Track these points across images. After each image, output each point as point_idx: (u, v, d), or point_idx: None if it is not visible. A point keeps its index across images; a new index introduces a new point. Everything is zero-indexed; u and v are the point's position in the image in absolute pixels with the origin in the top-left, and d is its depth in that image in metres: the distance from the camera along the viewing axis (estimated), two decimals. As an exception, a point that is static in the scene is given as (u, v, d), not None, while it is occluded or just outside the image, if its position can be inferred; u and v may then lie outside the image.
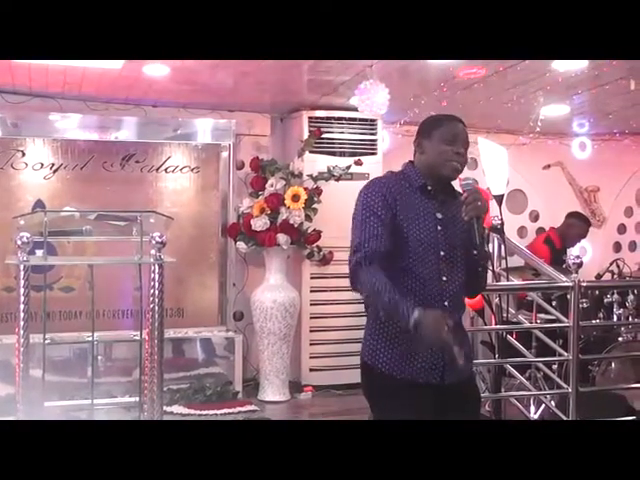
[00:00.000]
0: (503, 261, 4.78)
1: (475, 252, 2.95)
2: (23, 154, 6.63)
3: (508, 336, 4.67)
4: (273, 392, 6.58)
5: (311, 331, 6.92)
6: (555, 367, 5.21)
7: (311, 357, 6.93)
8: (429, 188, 2.99)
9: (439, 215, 2.95)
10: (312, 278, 6.91)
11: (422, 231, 2.91)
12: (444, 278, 2.92)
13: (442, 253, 2.92)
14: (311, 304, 6.90)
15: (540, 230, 8.44)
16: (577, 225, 7.62)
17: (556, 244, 7.48)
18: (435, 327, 2.65)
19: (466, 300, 4.19)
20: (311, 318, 6.92)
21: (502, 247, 4.89)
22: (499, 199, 4.09)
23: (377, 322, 3.00)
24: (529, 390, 5.05)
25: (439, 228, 2.93)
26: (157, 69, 5.53)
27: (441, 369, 2.91)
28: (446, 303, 2.91)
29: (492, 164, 4.06)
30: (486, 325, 4.70)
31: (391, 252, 2.87)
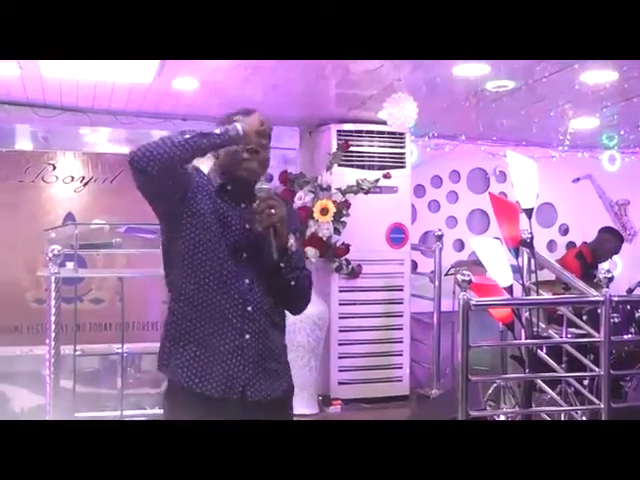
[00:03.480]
0: (533, 275, 4.75)
1: (282, 265, 2.63)
2: (54, 167, 6.70)
3: (538, 351, 4.63)
4: (302, 405, 6.55)
5: (340, 344, 6.91)
6: (586, 382, 5.15)
7: (340, 370, 6.91)
8: (229, 188, 2.71)
9: (245, 215, 2.68)
10: (341, 291, 6.90)
11: (225, 233, 2.65)
12: (247, 281, 2.65)
13: (245, 255, 2.66)
14: (340, 317, 6.89)
15: (570, 244, 8.39)
16: (610, 240, 7.55)
17: (588, 259, 7.41)
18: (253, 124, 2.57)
19: (495, 314, 4.20)
20: (340, 331, 6.90)
21: (532, 261, 4.85)
22: (529, 213, 4.05)
23: (172, 322, 2.69)
24: (560, 406, 5.00)
25: (246, 227, 2.67)
26: (186, 83, 5.56)
27: (241, 383, 2.62)
28: (249, 308, 2.64)
29: (521, 177, 4.02)
30: (516, 339, 4.66)
31: (190, 252, 2.61)
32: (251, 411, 2.61)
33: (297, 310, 2.89)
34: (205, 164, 2.80)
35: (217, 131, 2.58)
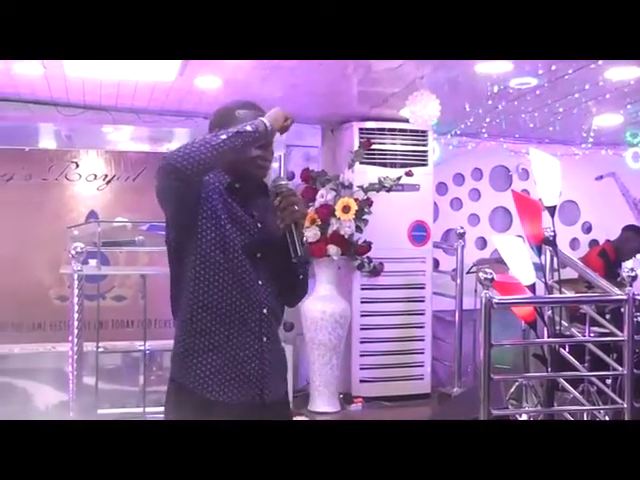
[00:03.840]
0: (555, 273, 4.72)
1: (295, 260, 2.58)
2: (77, 165, 6.74)
3: (561, 349, 4.61)
4: (323, 403, 6.57)
5: (361, 342, 6.90)
6: (609, 382, 5.12)
7: (361, 368, 6.90)
8: (237, 186, 2.61)
9: (255, 213, 2.61)
10: (362, 289, 6.90)
11: (237, 233, 2.56)
12: (260, 282, 2.58)
13: (258, 255, 2.58)
14: (361, 315, 6.89)
15: (593, 242, 8.34)
16: (634, 239, 7.49)
17: (611, 257, 7.37)
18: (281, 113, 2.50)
19: (517, 312, 4.18)
20: (361, 329, 6.90)
21: (554, 259, 4.83)
22: (551, 210, 4.03)
23: (187, 329, 2.60)
24: (582, 405, 4.97)
25: (259, 226, 2.61)
26: (208, 81, 5.58)
27: (260, 386, 2.58)
28: (265, 311, 2.59)
29: (544, 175, 4.00)
30: (538, 338, 4.64)
31: (203, 251, 2.52)
32: (269, 412, 2.58)
33: (297, 302, 2.88)
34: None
35: (249, 128, 2.46)
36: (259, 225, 2.62)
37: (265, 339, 2.60)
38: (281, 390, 2.71)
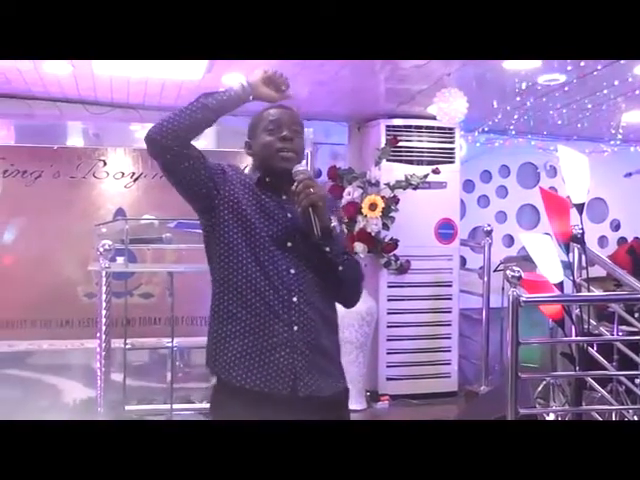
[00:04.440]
0: (584, 271, 4.69)
1: (327, 249, 2.59)
2: (105, 163, 6.78)
3: (589, 348, 4.58)
4: (350, 401, 6.53)
5: (388, 340, 6.90)
6: (638, 381, 5.08)
7: (388, 366, 6.90)
8: (267, 180, 2.68)
9: (287, 205, 2.65)
10: (389, 287, 6.89)
11: (268, 222, 2.61)
12: (292, 271, 2.59)
13: (289, 244, 2.61)
14: (388, 313, 6.88)
15: (621, 240, 8.28)
16: (663, 236, 7.44)
17: (639, 255, 7.31)
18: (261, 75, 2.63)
19: (545, 310, 4.16)
20: (388, 327, 6.89)
21: (583, 257, 4.80)
22: (580, 208, 4.00)
23: (216, 317, 2.64)
24: (611, 404, 4.94)
25: (289, 216, 2.64)
26: (236, 79, 5.58)
27: (291, 376, 2.55)
28: (295, 299, 2.58)
29: (572, 172, 3.97)
30: (566, 336, 4.61)
31: (234, 242, 2.59)
32: (301, 407, 2.55)
33: (348, 301, 2.83)
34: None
35: (221, 89, 2.60)
36: (289, 215, 2.64)
37: (296, 328, 2.57)
38: (324, 387, 2.64)
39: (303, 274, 2.62)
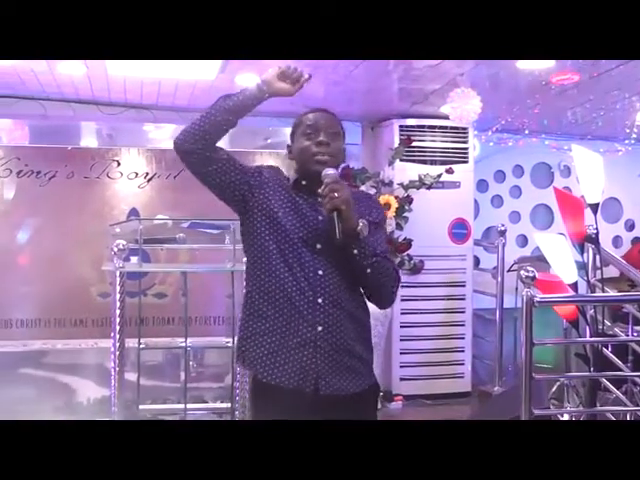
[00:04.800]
0: (598, 272, 4.67)
1: (355, 251, 2.64)
2: (118, 164, 6.80)
3: (603, 349, 4.56)
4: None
5: (401, 340, 6.89)
6: (653, 381, 5.06)
7: (401, 366, 6.89)
8: (304, 183, 2.76)
9: (320, 208, 2.68)
10: (403, 287, 6.83)
11: (299, 223, 2.69)
12: (320, 272, 2.66)
13: (319, 246, 2.67)
14: (402, 313, 6.87)
15: (636, 240, 8.24)
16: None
17: (653, 254, 7.28)
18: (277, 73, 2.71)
19: (559, 310, 4.14)
20: (401, 327, 6.89)
21: (597, 257, 4.78)
22: (594, 208, 3.99)
23: (246, 314, 2.75)
24: (625, 405, 4.92)
25: (320, 218, 2.70)
26: (249, 79, 5.58)
27: (314, 375, 2.64)
28: (320, 300, 2.64)
29: (587, 172, 3.96)
30: (581, 337, 4.59)
31: (265, 241, 2.69)
32: (324, 405, 2.63)
33: (380, 302, 2.88)
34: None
35: (238, 91, 2.71)
36: (320, 218, 2.71)
37: (320, 328, 2.64)
38: (349, 386, 2.70)
39: (330, 276, 2.68)
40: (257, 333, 2.70)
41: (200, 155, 2.69)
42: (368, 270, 2.68)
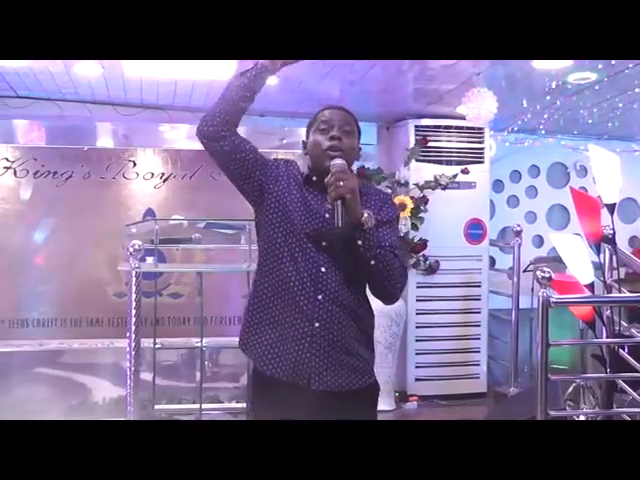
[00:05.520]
0: (615, 272, 4.65)
1: (359, 242, 2.63)
2: (134, 164, 6.82)
3: (620, 350, 4.54)
4: (378, 401, 6.54)
5: (417, 340, 6.88)
6: (670, 383, 5.03)
7: (417, 367, 6.89)
8: (314, 179, 2.77)
9: (328, 205, 2.66)
10: (418, 287, 6.88)
11: (306, 219, 2.71)
12: (323, 269, 2.68)
13: (324, 243, 2.69)
14: (417, 313, 6.87)
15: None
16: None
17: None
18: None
19: (575, 311, 4.12)
20: (417, 327, 6.88)
21: (613, 258, 4.76)
22: (611, 208, 3.96)
23: (251, 302, 2.78)
24: (642, 406, 4.89)
25: (327, 216, 2.70)
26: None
27: (307, 370, 2.65)
28: (320, 297, 2.65)
29: (603, 172, 3.93)
30: (597, 338, 4.57)
31: (271, 233, 2.72)
32: (317, 400, 2.65)
33: (385, 296, 2.83)
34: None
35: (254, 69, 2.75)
36: (326, 215, 2.70)
37: (317, 324, 2.66)
38: (341, 384, 2.70)
39: (333, 273, 2.69)
40: (259, 323, 2.74)
41: (220, 136, 2.70)
42: (372, 262, 2.67)
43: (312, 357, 2.66)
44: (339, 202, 2.58)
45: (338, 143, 2.74)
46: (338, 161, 2.67)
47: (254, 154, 2.76)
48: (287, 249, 2.69)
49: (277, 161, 2.85)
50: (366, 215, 2.63)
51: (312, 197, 2.75)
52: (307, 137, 2.87)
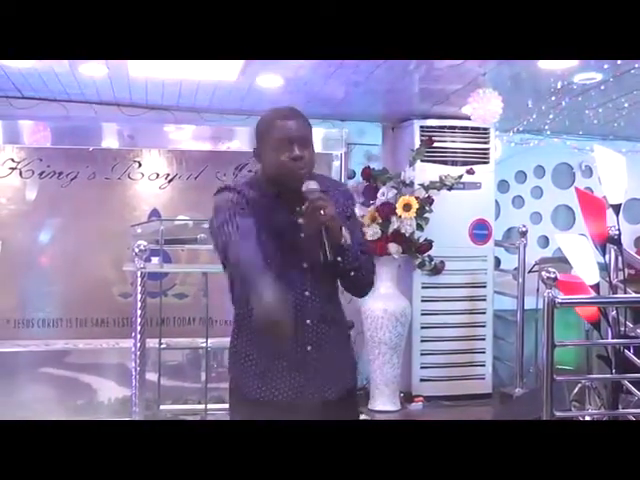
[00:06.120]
0: (620, 273, 4.64)
1: (339, 259, 2.58)
2: (139, 165, 6.83)
3: (626, 351, 4.53)
4: (383, 402, 6.55)
5: (422, 341, 6.87)
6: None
7: (422, 367, 6.87)
8: (280, 197, 2.66)
9: (300, 221, 2.60)
10: (423, 288, 6.86)
11: (282, 243, 2.60)
12: (307, 293, 2.64)
13: (305, 265, 2.64)
14: (422, 314, 6.85)
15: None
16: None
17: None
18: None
19: (581, 312, 4.12)
20: (422, 328, 6.86)
21: (619, 258, 4.75)
22: (616, 209, 3.96)
23: (235, 337, 2.78)
24: (648, 407, 4.88)
25: (302, 235, 2.61)
26: (270, 80, 5.59)
27: (305, 387, 2.67)
28: (308, 321, 2.65)
29: (609, 172, 3.93)
30: (602, 339, 4.57)
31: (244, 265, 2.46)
32: (319, 411, 2.66)
33: (360, 294, 2.91)
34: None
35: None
36: (302, 235, 2.63)
37: (310, 347, 2.68)
38: (333, 392, 2.74)
39: (317, 294, 2.69)
40: (248, 355, 2.71)
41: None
42: (352, 273, 2.68)
43: (309, 377, 2.67)
44: (323, 231, 2.51)
45: (301, 162, 2.61)
46: (312, 185, 2.57)
47: (233, 234, 2.55)
48: (268, 280, 2.36)
49: (233, 206, 2.63)
50: (346, 235, 2.60)
51: (282, 217, 2.65)
52: (260, 147, 2.71)
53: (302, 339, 2.64)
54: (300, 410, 2.63)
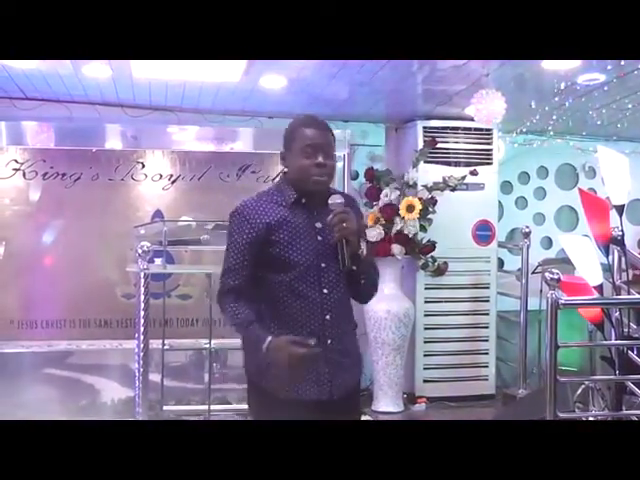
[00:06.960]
0: (623, 274, 4.64)
1: (354, 267, 2.81)
2: (143, 166, 6.83)
3: (629, 352, 4.52)
4: (387, 403, 6.55)
5: (425, 342, 6.87)
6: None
7: (425, 368, 6.87)
8: (303, 201, 2.86)
9: (318, 225, 2.83)
10: (426, 289, 6.86)
11: (301, 245, 2.80)
12: (325, 291, 2.82)
13: (323, 265, 2.82)
14: (425, 315, 6.85)
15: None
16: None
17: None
18: (284, 353, 2.61)
19: (584, 313, 4.11)
20: (425, 329, 6.86)
21: (622, 259, 4.74)
22: (620, 209, 3.95)
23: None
24: (651, 408, 4.87)
25: (319, 238, 2.83)
26: (273, 81, 5.59)
27: (329, 384, 2.82)
28: (328, 317, 2.82)
29: (612, 173, 3.92)
30: (606, 340, 4.56)
31: (268, 269, 2.80)
32: (336, 407, 2.79)
33: (363, 301, 3.12)
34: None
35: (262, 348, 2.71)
36: (319, 238, 2.83)
37: (330, 342, 2.82)
38: (350, 384, 2.93)
39: (334, 292, 2.85)
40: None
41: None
42: (362, 281, 2.91)
43: (331, 372, 2.82)
44: (343, 242, 2.73)
45: (325, 169, 2.81)
46: (338, 200, 2.79)
47: (250, 259, 2.85)
48: (293, 276, 2.78)
49: (254, 221, 2.83)
50: (363, 247, 2.84)
51: (301, 221, 2.83)
52: (287, 152, 2.89)
53: (323, 335, 2.80)
54: (322, 405, 2.77)
